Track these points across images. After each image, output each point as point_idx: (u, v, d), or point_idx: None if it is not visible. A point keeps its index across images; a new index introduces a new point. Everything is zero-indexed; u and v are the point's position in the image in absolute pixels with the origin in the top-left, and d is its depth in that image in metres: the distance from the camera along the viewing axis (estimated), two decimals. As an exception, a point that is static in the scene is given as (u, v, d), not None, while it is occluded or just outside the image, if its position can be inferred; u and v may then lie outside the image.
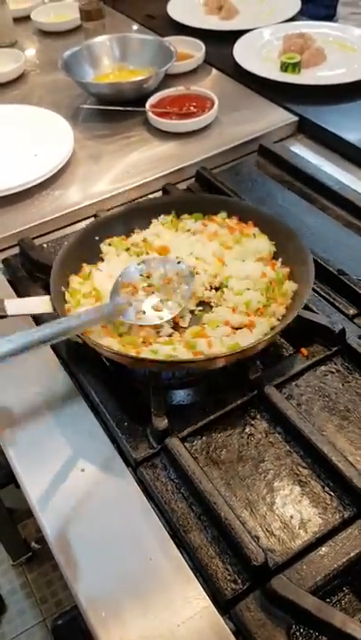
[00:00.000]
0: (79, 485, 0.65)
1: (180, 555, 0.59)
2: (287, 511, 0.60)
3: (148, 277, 0.78)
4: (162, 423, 0.65)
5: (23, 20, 1.63)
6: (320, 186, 1.02)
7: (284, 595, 0.52)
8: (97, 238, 0.86)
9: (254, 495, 0.61)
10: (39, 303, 0.74)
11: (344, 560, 0.56)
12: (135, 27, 1.60)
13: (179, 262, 0.80)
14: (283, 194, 1.03)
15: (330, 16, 1.82)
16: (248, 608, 0.54)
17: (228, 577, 0.56)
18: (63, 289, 0.77)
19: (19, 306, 0.74)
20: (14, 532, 1.55)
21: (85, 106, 1.24)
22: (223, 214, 0.88)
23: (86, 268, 0.81)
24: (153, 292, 0.77)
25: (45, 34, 1.61)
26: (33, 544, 1.55)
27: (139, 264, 0.79)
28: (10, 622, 1.54)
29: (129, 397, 0.73)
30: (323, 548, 0.57)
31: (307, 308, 0.79)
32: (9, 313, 0.72)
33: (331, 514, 0.60)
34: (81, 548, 0.60)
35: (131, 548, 0.60)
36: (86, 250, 0.84)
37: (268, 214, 0.86)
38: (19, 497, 0.73)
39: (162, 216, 0.89)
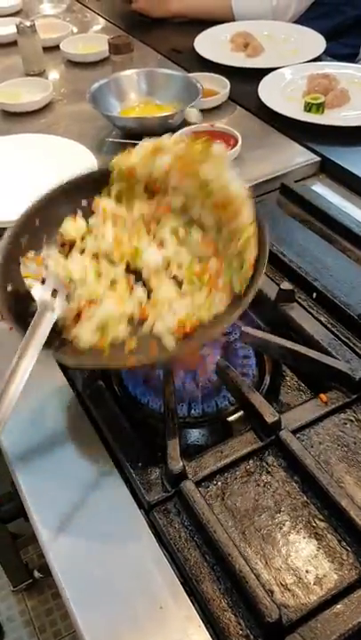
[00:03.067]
0: (90, 525, 0.64)
1: (191, 605, 0.58)
2: (303, 565, 0.59)
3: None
4: (177, 466, 0.65)
5: (52, 49, 1.67)
6: (341, 227, 1.02)
7: (298, 656, 0.51)
8: (37, 223, 0.75)
9: (269, 547, 0.60)
10: None
11: (360, 620, 0.55)
12: (161, 60, 1.63)
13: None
14: (303, 233, 1.03)
15: (353, 55, 1.85)
16: (260, 667, 0.53)
17: (241, 632, 0.55)
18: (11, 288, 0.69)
19: None
20: (16, 557, 1.53)
21: (111, 139, 1.25)
22: None
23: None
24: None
25: (73, 64, 1.64)
26: (36, 573, 1.53)
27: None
28: (7, 651, 1.52)
29: (143, 435, 0.73)
30: (338, 606, 0.56)
31: (326, 352, 0.78)
32: None
33: (347, 570, 0.59)
34: (90, 592, 0.59)
35: (141, 595, 0.59)
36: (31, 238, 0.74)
37: None
38: (22, 522, 0.73)
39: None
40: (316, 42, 1.58)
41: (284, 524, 0.62)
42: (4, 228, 0.74)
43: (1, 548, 1.47)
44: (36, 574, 1.54)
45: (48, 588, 1.61)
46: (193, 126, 1.22)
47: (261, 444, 0.69)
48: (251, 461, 0.68)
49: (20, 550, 1.56)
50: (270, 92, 1.34)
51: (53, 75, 1.61)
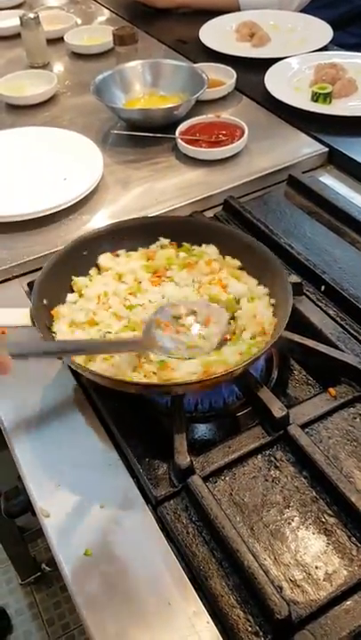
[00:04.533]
0: (98, 522, 0.64)
1: (199, 601, 0.57)
2: (312, 561, 0.58)
3: (178, 319, 0.77)
4: (184, 461, 0.64)
5: (56, 41, 1.66)
6: (350, 219, 1.01)
7: (308, 653, 0.51)
8: (85, 253, 0.85)
9: (278, 543, 0.60)
10: (18, 316, 0.72)
11: (370, 616, 0.54)
12: (166, 51, 1.61)
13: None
14: (311, 225, 1.02)
15: (359, 45, 1.82)
16: (270, 664, 0.52)
17: (250, 628, 0.55)
18: (46, 302, 0.77)
19: None
20: (24, 551, 1.54)
21: (115, 131, 1.24)
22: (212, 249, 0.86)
23: (77, 281, 0.82)
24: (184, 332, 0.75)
25: (78, 56, 1.63)
26: (44, 566, 1.53)
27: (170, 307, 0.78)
28: (16, 644, 1.52)
29: (151, 430, 0.72)
30: (348, 602, 0.56)
31: (335, 346, 0.77)
32: None
33: (357, 566, 0.58)
34: (98, 587, 0.59)
35: (149, 591, 0.58)
36: (74, 263, 0.84)
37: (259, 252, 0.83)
38: (30, 516, 0.73)
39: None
40: (322, 31, 1.56)
41: (292, 520, 0.61)
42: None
43: (9, 542, 1.47)
44: (44, 567, 1.54)
45: (56, 581, 1.61)
46: (198, 117, 1.21)
47: (270, 438, 0.68)
48: (259, 456, 0.67)
49: (28, 544, 1.57)
50: (277, 83, 1.33)
51: (57, 67, 1.60)
